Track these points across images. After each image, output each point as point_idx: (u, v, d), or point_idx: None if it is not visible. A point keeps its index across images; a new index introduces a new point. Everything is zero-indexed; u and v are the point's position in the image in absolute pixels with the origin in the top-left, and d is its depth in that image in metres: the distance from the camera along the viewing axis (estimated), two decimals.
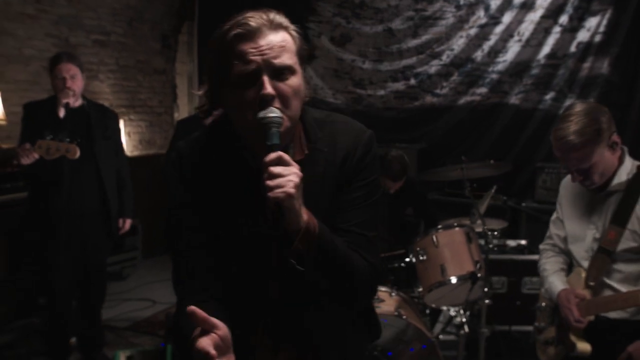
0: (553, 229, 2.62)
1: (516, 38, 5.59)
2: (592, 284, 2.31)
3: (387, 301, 3.31)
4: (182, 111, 7.28)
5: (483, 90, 5.80)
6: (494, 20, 5.67)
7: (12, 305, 4.41)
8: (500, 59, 5.68)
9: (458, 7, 5.81)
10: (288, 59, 1.35)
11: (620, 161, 2.28)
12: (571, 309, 2.31)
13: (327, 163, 1.46)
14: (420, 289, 3.42)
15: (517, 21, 5.57)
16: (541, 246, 2.70)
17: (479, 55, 5.77)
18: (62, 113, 3.50)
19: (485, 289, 3.17)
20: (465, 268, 3.31)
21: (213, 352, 1.17)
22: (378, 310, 3.13)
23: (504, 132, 5.74)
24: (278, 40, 1.34)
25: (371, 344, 1.80)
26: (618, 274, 2.26)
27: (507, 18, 5.61)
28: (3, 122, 4.64)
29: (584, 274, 2.35)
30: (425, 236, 3.46)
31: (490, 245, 3.21)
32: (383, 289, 3.41)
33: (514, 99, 5.66)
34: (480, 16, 5.72)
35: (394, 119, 6.22)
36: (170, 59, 7.19)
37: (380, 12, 6.17)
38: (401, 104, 6.21)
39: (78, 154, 3.33)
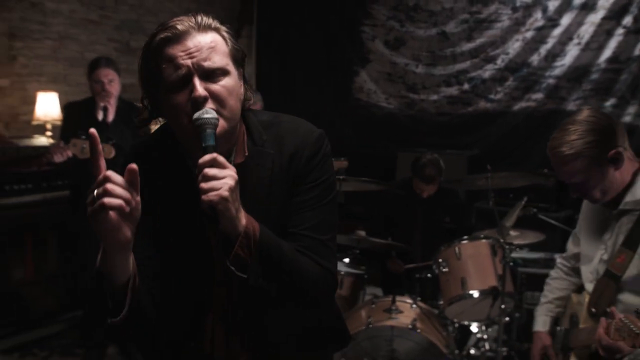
0: (570, 243, 2.43)
1: (575, 41, 5.31)
2: (594, 310, 2.06)
3: (405, 312, 3.23)
4: None
5: (539, 95, 5.55)
6: (552, 22, 5.41)
7: (60, 298, 4.63)
8: (557, 63, 5.42)
9: (514, 9, 5.59)
10: (219, 60, 1.33)
11: (635, 178, 2.02)
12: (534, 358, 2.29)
13: (274, 165, 1.42)
14: (442, 302, 3.31)
15: (577, 23, 5.29)
16: (558, 259, 2.51)
17: (535, 59, 5.53)
18: (100, 116, 3.64)
19: (502, 306, 3.02)
20: (487, 282, 3.17)
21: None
22: (393, 322, 3.11)
23: None
24: (207, 42, 1.32)
25: (338, 351, 1.75)
26: (620, 305, 1.98)
27: (566, 20, 5.35)
28: (60, 123, 4.87)
29: (587, 299, 2.12)
30: (448, 247, 3.35)
31: (507, 259, 3.05)
32: (404, 300, 3.33)
33: (571, 105, 5.38)
34: (538, 18, 5.48)
35: (446, 124, 6.07)
36: None
37: (434, 15, 6.04)
38: (454, 109, 6.04)
39: (113, 153, 3.44)
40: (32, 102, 4.86)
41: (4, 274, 4.41)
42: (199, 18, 1.34)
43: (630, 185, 2.03)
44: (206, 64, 1.31)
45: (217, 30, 1.36)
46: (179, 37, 1.31)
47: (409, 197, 4.13)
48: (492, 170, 3.40)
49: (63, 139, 3.62)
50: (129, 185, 1.17)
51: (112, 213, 1.14)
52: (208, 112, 1.29)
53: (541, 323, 2.41)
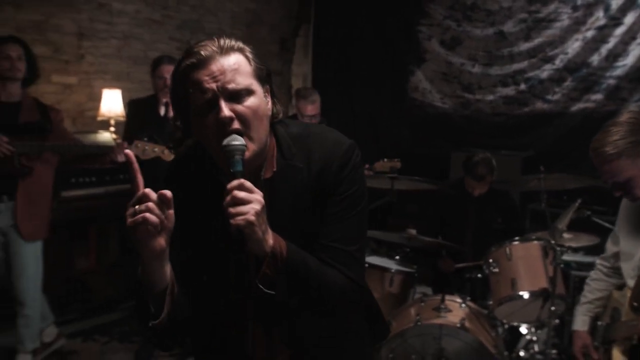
0: (608, 243, 2.51)
1: (639, 40, 5.15)
2: (635, 304, 2.14)
3: (454, 312, 3.24)
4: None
5: (598, 96, 5.39)
6: (615, 21, 5.25)
7: (120, 288, 4.83)
8: (619, 64, 5.25)
9: (575, 8, 5.45)
10: (243, 80, 1.37)
11: None
12: (577, 357, 2.43)
13: (303, 179, 1.45)
14: (491, 302, 3.31)
15: None
16: (597, 260, 2.60)
17: (595, 59, 5.37)
18: (162, 111, 3.81)
19: (552, 308, 2.99)
20: (537, 284, 3.16)
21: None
22: (442, 320, 3.13)
23: None
24: (230, 64, 1.37)
25: (376, 345, 1.78)
26: None
27: (629, 19, 5.17)
28: (122, 118, 5.07)
29: (629, 294, 2.20)
30: (499, 247, 3.35)
31: (558, 261, 3.03)
32: (454, 299, 3.34)
33: (633, 107, 5.21)
34: (599, 17, 5.33)
35: (502, 125, 5.97)
36: (287, 61, 7.42)
37: (492, 15, 5.96)
38: (510, 109, 5.93)
39: (172, 157, 3.59)
40: (97, 98, 5.09)
41: (69, 263, 4.65)
42: (222, 41, 1.39)
43: None
44: (230, 86, 1.35)
45: (240, 50, 1.41)
46: (204, 63, 1.36)
47: (460, 197, 4.13)
48: (545, 171, 3.38)
49: (127, 136, 3.78)
50: (162, 203, 1.26)
51: (149, 226, 1.24)
52: (236, 139, 1.33)
53: (580, 322, 2.51)
